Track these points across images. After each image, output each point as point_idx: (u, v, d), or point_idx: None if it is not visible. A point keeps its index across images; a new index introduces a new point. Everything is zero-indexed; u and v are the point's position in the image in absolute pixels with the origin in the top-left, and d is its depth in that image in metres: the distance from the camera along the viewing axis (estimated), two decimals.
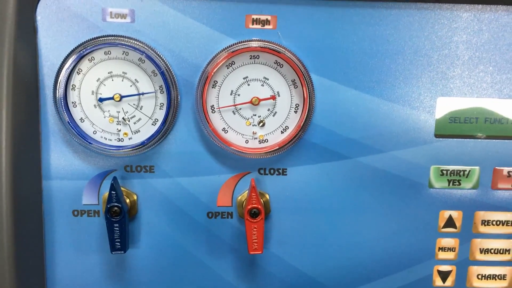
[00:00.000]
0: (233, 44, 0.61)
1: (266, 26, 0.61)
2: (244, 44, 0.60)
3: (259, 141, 0.64)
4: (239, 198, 0.65)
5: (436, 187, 0.66)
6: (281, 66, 0.62)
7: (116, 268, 0.66)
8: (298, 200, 0.65)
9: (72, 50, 0.60)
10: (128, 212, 0.63)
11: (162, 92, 0.62)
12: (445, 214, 0.67)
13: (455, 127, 0.65)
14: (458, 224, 0.67)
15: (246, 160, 0.64)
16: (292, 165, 0.65)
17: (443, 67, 0.63)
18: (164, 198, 0.65)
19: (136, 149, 0.62)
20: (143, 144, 0.62)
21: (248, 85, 0.62)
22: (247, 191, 0.64)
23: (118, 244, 0.61)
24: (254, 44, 0.60)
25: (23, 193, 0.59)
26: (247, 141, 0.64)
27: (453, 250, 0.68)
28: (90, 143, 0.62)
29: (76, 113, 0.62)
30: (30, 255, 0.62)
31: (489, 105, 0.64)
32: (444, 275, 0.68)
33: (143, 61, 0.61)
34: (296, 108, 0.63)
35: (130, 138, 0.63)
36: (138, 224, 0.65)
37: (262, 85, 0.62)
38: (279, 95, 0.63)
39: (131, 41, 0.60)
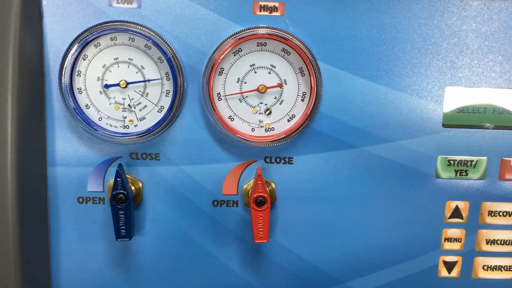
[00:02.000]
0: (240, 31, 0.60)
1: (274, 13, 0.61)
2: (251, 31, 0.60)
3: (265, 129, 0.63)
4: (245, 186, 0.65)
5: (443, 177, 0.65)
6: (289, 53, 0.61)
7: (121, 256, 0.66)
8: (304, 189, 0.65)
9: (78, 35, 0.59)
10: (133, 200, 0.62)
11: (168, 79, 0.61)
12: (452, 204, 0.66)
13: (463, 117, 0.64)
14: (464, 214, 0.67)
15: (252, 148, 0.64)
16: (298, 154, 0.64)
17: (452, 56, 0.63)
18: (170, 186, 0.64)
19: (142, 136, 0.62)
20: (148, 131, 0.62)
21: (255, 72, 0.62)
22: (253, 180, 0.64)
23: (123, 231, 0.61)
24: (261, 31, 0.60)
25: (28, 180, 0.59)
26: (253, 129, 0.63)
27: (459, 240, 0.67)
28: (95, 129, 0.61)
29: (82, 100, 0.61)
30: (35, 242, 0.62)
31: (498, 95, 0.64)
32: (449, 266, 0.68)
33: (149, 47, 0.60)
34: (303, 97, 0.62)
35: (135, 125, 0.62)
36: (143, 212, 0.65)
37: (269, 72, 0.62)
38: (286, 83, 0.62)
39: (138, 27, 0.59)
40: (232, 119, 0.63)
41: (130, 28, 0.59)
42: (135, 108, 0.62)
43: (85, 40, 0.59)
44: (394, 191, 0.65)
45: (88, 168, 0.63)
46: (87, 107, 0.62)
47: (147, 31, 0.59)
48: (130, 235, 0.61)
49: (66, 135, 0.63)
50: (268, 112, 0.63)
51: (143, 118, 0.62)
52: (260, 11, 0.61)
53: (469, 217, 0.67)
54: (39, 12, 0.60)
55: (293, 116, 0.63)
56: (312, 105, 0.62)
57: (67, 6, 0.60)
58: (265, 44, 0.61)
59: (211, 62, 0.60)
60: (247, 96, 0.62)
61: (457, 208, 0.66)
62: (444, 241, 0.67)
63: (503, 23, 0.62)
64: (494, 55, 0.63)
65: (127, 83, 0.61)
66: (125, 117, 0.62)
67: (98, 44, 0.60)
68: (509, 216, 0.67)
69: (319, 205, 0.66)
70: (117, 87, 0.61)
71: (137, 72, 0.61)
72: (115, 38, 0.60)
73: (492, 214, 0.67)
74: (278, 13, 0.61)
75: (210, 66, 0.60)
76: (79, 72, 0.61)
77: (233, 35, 0.60)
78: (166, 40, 0.60)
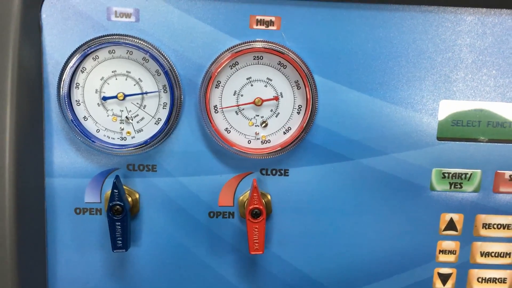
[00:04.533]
0: (237, 45, 0.61)
1: (270, 27, 0.62)
2: (248, 45, 0.61)
3: (261, 142, 0.64)
4: (241, 198, 0.65)
5: (437, 189, 0.66)
6: (285, 67, 0.62)
7: (117, 267, 0.66)
8: (299, 200, 0.65)
9: (76, 48, 0.60)
10: (130, 211, 0.63)
11: (165, 91, 0.62)
12: (446, 216, 0.67)
13: (457, 130, 0.65)
14: (459, 227, 0.67)
15: (248, 160, 0.64)
16: (294, 166, 0.65)
17: (446, 70, 0.63)
18: (166, 197, 0.65)
19: (139, 148, 0.62)
20: (145, 143, 0.62)
21: (251, 85, 0.62)
22: (248, 191, 0.65)
23: (120, 242, 0.61)
24: (258, 45, 0.60)
25: (26, 190, 0.60)
26: (249, 142, 0.64)
27: (454, 253, 0.68)
28: (93, 141, 0.62)
29: (80, 112, 0.62)
30: (32, 252, 0.62)
31: (492, 108, 0.64)
32: (444, 278, 0.68)
33: (147, 60, 0.61)
34: (299, 109, 0.63)
35: (133, 137, 0.63)
36: (140, 223, 0.65)
37: (265, 85, 0.62)
38: (282, 96, 0.63)
39: (136, 40, 0.60)
40: (228, 131, 0.63)
41: (128, 42, 0.60)
42: (132, 120, 0.63)
43: (83, 53, 0.60)
44: (389, 203, 0.66)
45: (86, 179, 0.64)
46: (85, 119, 0.62)
47: (145, 44, 0.60)
48: (127, 246, 0.62)
49: (64, 146, 0.63)
50: (264, 124, 0.63)
51: (140, 130, 0.63)
52: (257, 25, 0.61)
53: (464, 230, 0.67)
54: (38, 25, 0.60)
55: (289, 128, 0.64)
56: (307, 117, 0.62)
57: (66, 20, 0.60)
58: (261, 58, 0.62)
59: (208, 75, 0.61)
60: (243, 109, 0.63)
61: (451, 220, 0.67)
62: (439, 253, 0.68)
63: (497, 38, 0.63)
64: (488, 69, 0.64)
65: (125, 96, 0.62)
66: (123, 129, 0.63)
67: (97, 57, 0.61)
68: (504, 228, 0.67)
69: (315, 217, 0.66)
70: (115, 100, 0.62)
71: (134, 85, 0.62)
72: (113, 51, 0.61)
73: (487, 226, 0.67)
74: (274, 27, 0.62)
75: (207, 79, 0.61)
76: (78, 84, 0.61)
77: (230, 48, 0.61)
78: (163, 53, 0.61)
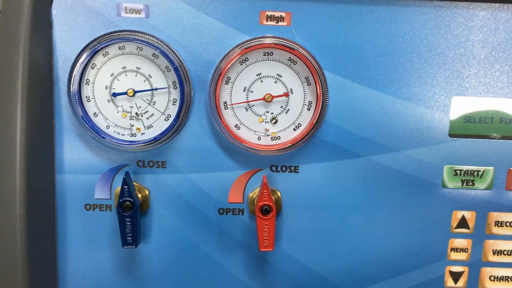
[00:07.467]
0: (247, 41, 0.61)
1: (280, 23, 0.61)
2: (258, 41, 0.60)
3: (271, 138, 0.64)
4: (251, 194, 0.65)
5: (449, 187, 0.65)
6: (295, 63, 0.62)
7: (127, 263, 0.66)
8: (309, 197, 0.65)
9: (86, 45, 0.60)
10: (140, 207, 0.63)
11: (175, 87, 0.62)
12: (458, 214, 0.66)
13: (469, 127, 0.64)
14: (471, 224, 0.66)
15: (258, 157, 0.64)
16: (304, 163, 0.64)
17: (458, 66, 0.63)
18: (176, 194, 0.65)
19: (149, 144, 0.62)
20: (155, 139, 0.62)
21: (261, 81, 0.62)
22: (258, 188, 0.64)
23: (130, 238, 0.61)
24: (268, 41, 0.60)
25: (37, 187, 0.60)
26: (259, 138, 0.64)
27: (466, 251, 0.67)
28: (103, 137, 0.62)
29: (90, 108, 0.62)
30: (43, 248, 0.62)
31: (505, 105, 0.64)
32: (456, 276, 0.68)
33: (157, 57, 0.61)
34: (309, 106, 0.63)
35: (142, 133, 0.63)
36: (150, 219, 0.65)
37: (275, 82, 0.62)
38: (292, 92, 0.62)
39: (145, 36, 0.60)
40: (238, 128, 0.63)
41: (138, 38, 0.60)
42: (142, 116, 0.63)
43: (94, 49, 0.60)
44: (400, 200, 0.65)
45: (96, 176, 0.64)
46: (95, 115, 0.62)
47: (155, 40, 0.60)
48: (136, 242, 0.62)
49: (74, 142, 0.63)
50: (274, 121, 0.63)
51: (150, 126, 0.63)
52: (267, 21, 0.61)
53: (476, 227, 0.66)
54: (48, 22, 0.60)
55: (299, 125, 0.63)
56: (318, 114, 0.62)
57: (76, 16, 0.60)
58: (271, 54, 0.61)
59: (218, 71, 0.61)
60: (253, 105, 0.63)
61: (463, 218, 0.66)
62: (451, 251, 0.67)
63: (510, 33, 0.62)
64: (500, 65, 0.63)
65: (135, 92, 0.62)
66: (133, 125, 0.63)
67: (107, 53, 0.61)
68: None
69: (325, 214, 0.66)
70: (125, 96, 0.62)
71: (144, 81, 0.62)
72: (123, 47, 0.61)
73: (499, 224, 0.66)
74: (284, 23, 0.61)
75: (217, 75, 0.61)
76: (88, 80, 0.61)
77: (240, 44, 0.61)
78: (173, 50, 0.61)
